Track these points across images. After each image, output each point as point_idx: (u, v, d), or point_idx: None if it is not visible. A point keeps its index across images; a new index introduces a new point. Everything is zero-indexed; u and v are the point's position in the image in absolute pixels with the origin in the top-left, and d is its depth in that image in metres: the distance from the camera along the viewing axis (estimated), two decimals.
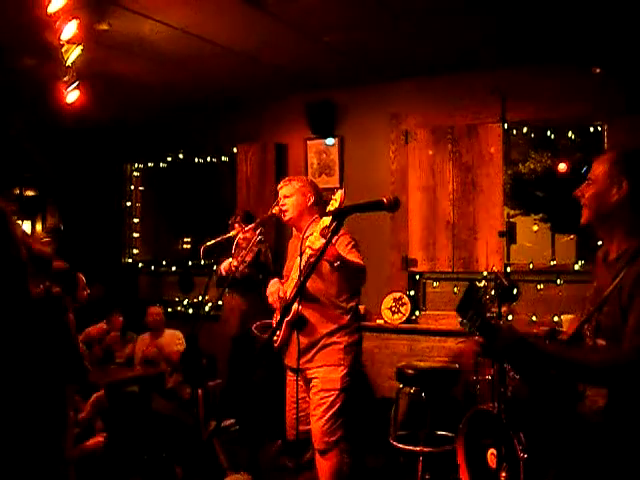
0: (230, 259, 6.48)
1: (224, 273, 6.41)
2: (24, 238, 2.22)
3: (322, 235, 4.02)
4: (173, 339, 7.62)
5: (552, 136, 7.00)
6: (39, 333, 2.59)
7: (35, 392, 2.01)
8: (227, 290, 7.12)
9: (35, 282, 2.57)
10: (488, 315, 2.68)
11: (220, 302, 7.72)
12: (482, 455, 4.71)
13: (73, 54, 5.56)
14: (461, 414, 5.88)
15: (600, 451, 2.58)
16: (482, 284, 6.59)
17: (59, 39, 5.33)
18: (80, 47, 5.53)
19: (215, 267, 6.74)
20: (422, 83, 7.35)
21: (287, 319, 4.54)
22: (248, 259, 6.43)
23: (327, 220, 3.91)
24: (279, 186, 4.95)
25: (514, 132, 7.04)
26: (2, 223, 2.08)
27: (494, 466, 4.56)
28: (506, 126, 6.92)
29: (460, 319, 2.72)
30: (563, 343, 2.87)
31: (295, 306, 4.38)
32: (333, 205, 4.16)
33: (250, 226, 5.28)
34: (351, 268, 4.46)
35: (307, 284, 4.47)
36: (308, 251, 4.17)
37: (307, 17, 5.76)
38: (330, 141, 7.91)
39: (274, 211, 4.90)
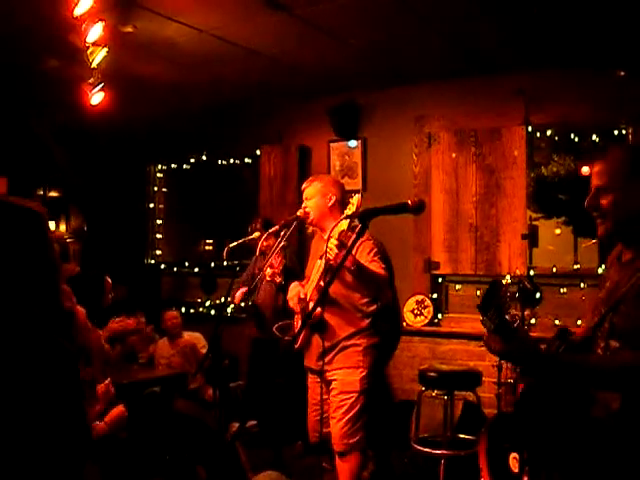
0: (243, 288, 6.54)
1: (237, 302, 6.49)
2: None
3: (340, 240, 4.02)
4: (196, 342, 7.65)
5: (576, 139, 6.97)
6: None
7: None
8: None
9: None
10: (509, 316, 2.64)
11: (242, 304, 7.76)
12: (504, 459, 4.69)
13: (98, 56, 5.60)
14: (483, 417, 5.88)
15: (613, 454, 2.55)
16: (505, 281, 6.58)
17: (85, 41, 5.37)
18: (105, 49, 5.56)
19: (229, 297, 6.75)
20: (445, 86, 7.33)
21: (308, 321, 4.53)
22: (280, 266, 6.41)
23: (345, 224, 3.90)
24: (302, 187, 4.94)
25: (537, 135, 7.01)
26: (41, 227, 2.09)
27: (516, 470, 4.54)
28: (530, 129, 6.90)
29: (481, 317, 2.70)
30: (575, 346, 2.81)
31: (318, 309, 4.37)
32: (350, 209, 4.18)
33: (273, 229, 5.28)
34: (370, 277, 4.45)
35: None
36: (327, 255, 4.16)
37: (332, 20, 5.76)
38: (353, 143, 7.92)
39: (298, 213, 4.90)
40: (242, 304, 6.73)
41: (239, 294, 6.57)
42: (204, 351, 7.58)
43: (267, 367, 6.55)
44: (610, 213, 2.67)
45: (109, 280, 6.18)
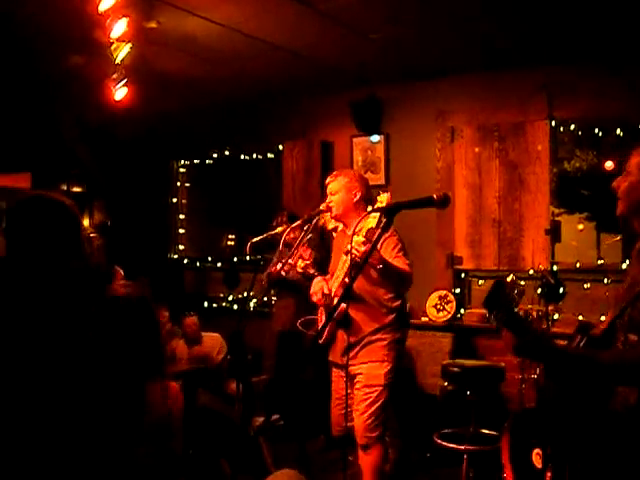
0: (290, 260, 6.44)
1: (283, 274, 6.36)
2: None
3: (367, 237, 4.02)
4: (213, 345, 7.67)
5: (600, 134, 6.93)
6: (118, 330, 2.65)
7: (110, 391, 2.05)
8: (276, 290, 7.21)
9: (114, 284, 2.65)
10: (522, 311, 2.65)
11: (268, 298, 7.77)
12: (527, 454, 4.67)
13: (122, 52, 5.63)
14: (506, 413, 5.86)
15: (631, 448, 2.55)
16: (510, 279, 6.54)
17: (109, 37, 5.40)
18: (129, 45, 5.59)
19: (266, 271, 6.73)
20: (468, 80, 7.31)
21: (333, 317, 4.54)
22: (310, 258, 6.38)
23: (373, 222, 3.90)
24: (326, 181, 4.94)
25: (561, 129, 6.97)
26: (76, 224, 2.12)
27: (539, 466, 4.52)
28: (553, 123, 6.87)
29: (487, 315, 2.72)
30: (595, 339, 2.81)
31: (342, 305, 4.37)
32: (378, 206, 4.16)
33: (297, 223, 5.28)
34: (395, 274, 4.46)
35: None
36: (354, 252, 4.16)
37: (354, 14, 5.76)
38: (375, 138, 7.91)
39: (321, 207, 4.90)
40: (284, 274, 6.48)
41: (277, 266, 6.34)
42: (220, 357, 7.58)
43: (293, 361, 6.56)
44: (623, 196, 2.76)
45: (120, 270, 6.21)
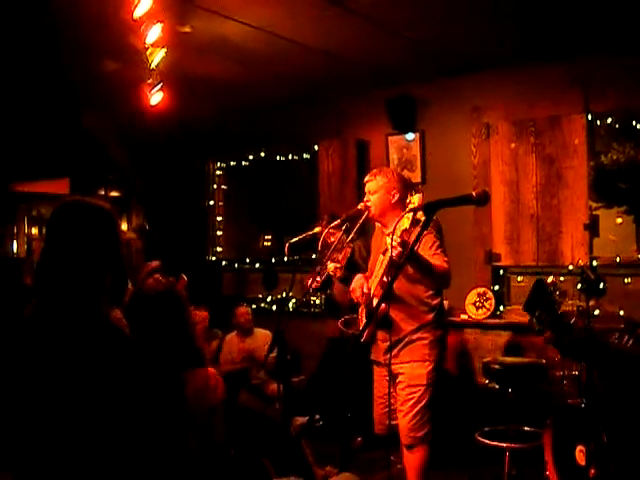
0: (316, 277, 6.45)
1: (311, 288, 6.41)
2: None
3: (402, 238, 4.02)
4: (265, 341, 7.66)
5: (637, 125, 6.86)
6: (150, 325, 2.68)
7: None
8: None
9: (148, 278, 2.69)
10: (561, 311, 2.64)
11: (306, 300, 7.79)
12: (570, 451, 4.65)
13: (157, 57, 5.68)
14: (548, 410, 5.83)
15: None
16: (550, 280, 6.50)
17: (144, 42, 5.45)
18: (164, 50, 5.64)
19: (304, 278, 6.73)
20: (502, 75, 7.27)
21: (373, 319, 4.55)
22: (342, 262, 6.37)
23: (407, 222, 3.90)
24: (365, 179, 4.93)
25: (597, 122, 6.92)
26: (113, 227, 2.15)
27: (583, 462, 4.50)
28: (590, 117, 6.81)
29: (529, 317, 2.71)
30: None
31: (383, 306, 4.37)
32: (410, 207, 4.15)
33: (335, 223, 5.27)
34: (434, 271, 4.44)
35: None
36: (392, 251, 4.15)
37: (385, 13, 5.77)
38: (410, 136, 7.89)
39: (360, 207, 4.90)
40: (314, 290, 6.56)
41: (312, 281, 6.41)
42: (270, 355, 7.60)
43: (339, 366, 6.54)
44: None
45: (184, 278, 6.25)
